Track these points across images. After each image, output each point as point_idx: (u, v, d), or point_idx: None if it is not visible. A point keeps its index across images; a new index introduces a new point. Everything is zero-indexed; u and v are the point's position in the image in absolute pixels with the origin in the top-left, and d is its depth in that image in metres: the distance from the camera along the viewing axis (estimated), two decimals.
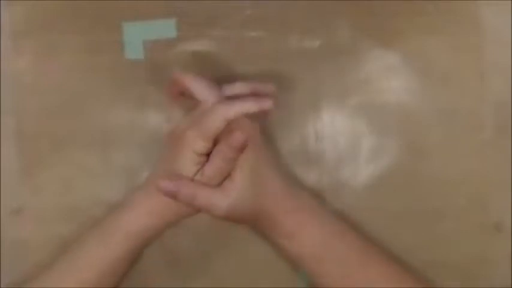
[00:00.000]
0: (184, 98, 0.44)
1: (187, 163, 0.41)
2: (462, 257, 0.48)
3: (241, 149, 0.40)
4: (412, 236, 0.47)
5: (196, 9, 0.48)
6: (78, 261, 0.43)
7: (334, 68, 0.49)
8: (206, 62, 0.48)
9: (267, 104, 0.41)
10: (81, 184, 0.48)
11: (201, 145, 0.40)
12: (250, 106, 0.40)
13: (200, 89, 0.42)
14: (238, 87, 0.43)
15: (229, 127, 0.40)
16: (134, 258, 0.45)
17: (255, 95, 0.43)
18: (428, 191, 0.48)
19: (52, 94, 0.48)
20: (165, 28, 0.46)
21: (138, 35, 0.48)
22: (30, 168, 0.48)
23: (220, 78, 0.48)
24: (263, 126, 0.45)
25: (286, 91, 0.48)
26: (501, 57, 0.48)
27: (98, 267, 0.42)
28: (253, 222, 0.43)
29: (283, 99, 0.48)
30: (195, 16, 0.48)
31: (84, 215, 0.47)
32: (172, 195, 0.40)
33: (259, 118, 0.43)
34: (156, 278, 0.48)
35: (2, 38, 0.48)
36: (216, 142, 0.41)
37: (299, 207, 0.43)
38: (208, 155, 0.41)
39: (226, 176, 0.41)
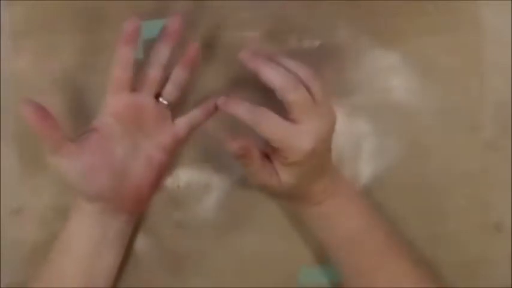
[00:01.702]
0: None
1: None
2: (462, 256, 0.48)
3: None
4: (412, 236, 0.47)
5: (196, 9, 0.48)
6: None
7: (334, 68, 0.48)
8: (206, 62, 0.48)
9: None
10: None
11: None
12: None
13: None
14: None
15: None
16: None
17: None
18: (428, 191, 0.48)
19: (52, 94, 0.48)
20: (161, 28, 0.46)
21: None
22: (30, 168, 0.48)
23: (220, 78, 0.48)
24: None
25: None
26: (501, 57, 0.48)
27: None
28: (287, 197, 0.44)
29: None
30: (195, 16, 0.48)
31: None
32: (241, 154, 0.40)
33: None
34: (156, 278, 0.48)
35: (2, 38, 0.48)
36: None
37: (339, 191, 0.43)
38: None
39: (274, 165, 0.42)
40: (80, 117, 0.48)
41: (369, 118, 0.48)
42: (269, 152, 0.42)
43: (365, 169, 0.48)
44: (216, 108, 0.45)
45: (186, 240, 0.48)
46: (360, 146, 0.48)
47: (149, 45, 0.44)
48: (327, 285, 0.47)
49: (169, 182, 0.48)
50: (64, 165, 0.40)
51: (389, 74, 0.49)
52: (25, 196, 0.48)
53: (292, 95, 0.39)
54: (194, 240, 0.48)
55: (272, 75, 0.39)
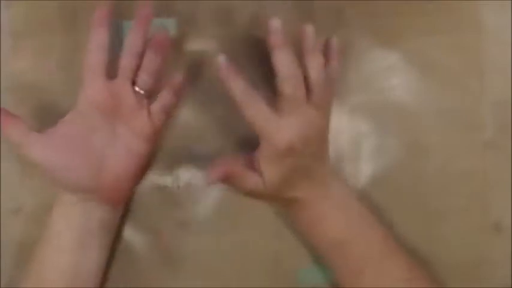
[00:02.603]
0: None
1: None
2: (462, 257, 0.48)
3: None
4: (411, 236, 0.47)
5: (197, 8, 0.48)
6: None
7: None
8: (206, 62, 0.48)
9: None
10: None
11: None
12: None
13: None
14: None
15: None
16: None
17: None
18: (428, 191, 0.48)
19: (52, 94, 0.48)
20: (165, 27, 0.46)
21: None
22: (30, 168, 0.48)
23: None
24: None
25: None
26: (501, 57, 0.48)
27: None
28: (274, 201, 0.44)
29: None
30: (195, 15, 0.48)
31: None
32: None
33: None
34: (156, 278, 0.48)
35: (2, 38, 0.48)
36: None
37: (328, 196, 0.43)
38: None
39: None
40: None
41: (369, 118, 0.48)
42: (253, 155, 0.42)
43: (365, 169, 0.48)
44: (183, 84, 0.45)
45: (185, 240, 0.48)
46: (360, 146, 0.48)
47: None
48: (326, 285, 0.47)
49: (169, 182, 0.48)
50: (34, 156, 0.40)
51: (389, 74, 0.49)
52: (25, 196, 0.48)
53: (288, 89, 0.39)
54: (194, 240, 0.48)
55: (282, 62, 0.40)
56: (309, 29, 0.40)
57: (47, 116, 0.48)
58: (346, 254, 0.42)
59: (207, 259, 0.48)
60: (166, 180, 0.48)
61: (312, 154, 0.42)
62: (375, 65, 0.49)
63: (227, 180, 0.42)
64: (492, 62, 0.48)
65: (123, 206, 0.47)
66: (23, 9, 0.49)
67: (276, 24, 0.40)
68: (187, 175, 0.48)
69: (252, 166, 0.43)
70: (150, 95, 0.44)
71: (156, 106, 0.44)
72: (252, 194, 0.43)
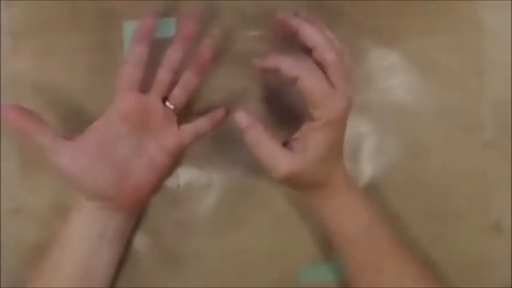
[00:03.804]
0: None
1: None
2: (462, 257, 0.48)
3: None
4: (412, 236, 0.47)
5: (196, 8, 0.48)
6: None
7: None
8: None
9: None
10: None
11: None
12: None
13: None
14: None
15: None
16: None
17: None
18: (428, 191, 0.48)
19: (52, 94, 0.48)
20: (165, 27, 0.46)
21: None
22: (30, 168, 0.48)
23: (220, 76, 0.48)
24: None
25: (286, 91, 0.48)
26: (501, 57, 0.48)
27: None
28: (303, 190, 0.43)
29: (284, 99, 0.48)
30: (195, 15, 0.48)
31: None
32: (243, 129, 0.40)
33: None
34: (156, 278, 0.48)
35: (2, 38, 0.48)
36: None
37: (350, 187, 0.43)
38: None
39: (302, 140, 0.40)
40: (80, 117, 0.48)
41: (369, 118, 0.48)
42: (290, 139, 0.42)
43: (365, 169, 0.48)
44: (223, 118, 0.45)
45: (186, 240, 0.48)
46: (360, 146, 0.48)
47: (155, 44, 0.43)
48: (326, 284, 0.47)
49: (169, 181, 0.48)
50: (62, 163, 0.40)
51: (389, 73, 0.49)
52: (25, 196, 0.48)
53: (332, 55, 0.39)
54: (194, 240, 0.48)
55: (313, 34, 0.39)
56: (282, 14, 0.41)
57: (47, 116, 0.48)
58: (367, 248, 0.42)
59: (207, 259, 0.48)
60: (167, 180, 0.48)
61: (343, 131, 0.42)
62: (375, 65, 0.49)
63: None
64: (492, 62, 0.48)
65: (137, 214, 0.47)
66: (23, 9, 0.49)
67: (283, 16, 0.41)
68: (187, 174, 0.48)
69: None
70: (181, 111, 0.45)
71: (190, 128, 0.44)
72: (292, 175, 0.40)
